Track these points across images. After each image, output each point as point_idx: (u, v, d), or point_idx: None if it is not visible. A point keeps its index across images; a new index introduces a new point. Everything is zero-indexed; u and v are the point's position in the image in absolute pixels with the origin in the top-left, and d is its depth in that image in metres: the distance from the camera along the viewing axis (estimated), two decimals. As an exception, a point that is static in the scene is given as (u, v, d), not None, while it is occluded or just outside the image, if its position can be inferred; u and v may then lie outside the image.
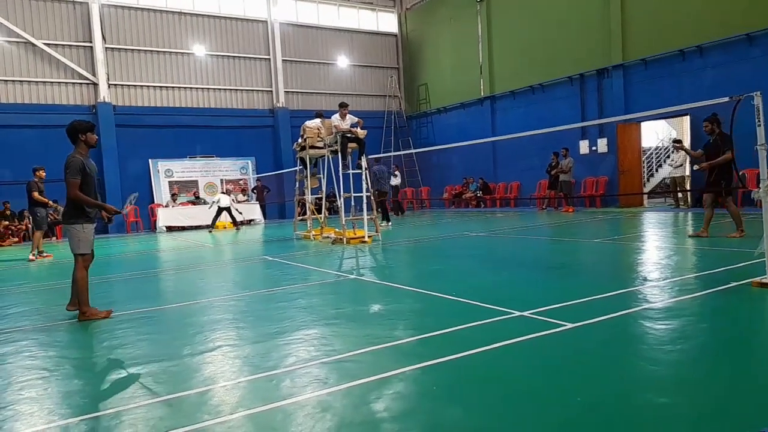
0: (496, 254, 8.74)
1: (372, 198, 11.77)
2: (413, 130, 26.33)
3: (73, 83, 19.43)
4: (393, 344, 3.81)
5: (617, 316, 4.19)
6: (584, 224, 12.52)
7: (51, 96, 19.13)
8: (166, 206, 19.27)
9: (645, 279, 5.61)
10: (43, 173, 11.59)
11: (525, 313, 4.35)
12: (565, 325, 3.96)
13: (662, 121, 22.00)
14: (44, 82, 19.00)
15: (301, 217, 14.34)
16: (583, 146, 17.99)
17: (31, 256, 11.27)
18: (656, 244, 8.24)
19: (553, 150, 17.26)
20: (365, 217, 11.00)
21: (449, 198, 22.66)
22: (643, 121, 16.80)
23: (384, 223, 14.83)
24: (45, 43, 18.77)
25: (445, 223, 15.39)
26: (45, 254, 11.66)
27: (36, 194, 11.32)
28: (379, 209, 16.62)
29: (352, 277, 6.98)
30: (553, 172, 17.19)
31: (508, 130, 20.08)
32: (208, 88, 22.02)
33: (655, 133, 23.26)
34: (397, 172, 20.86)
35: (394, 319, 4.60)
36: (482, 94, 22.10)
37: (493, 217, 16.45)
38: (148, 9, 20.67)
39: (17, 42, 18.49)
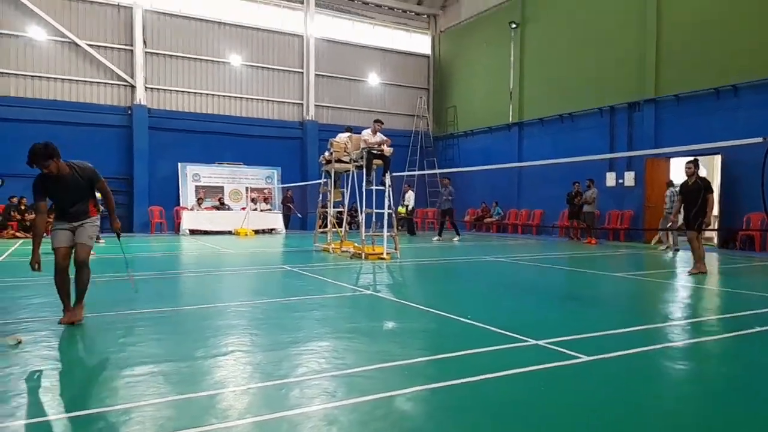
0: (514, 280, 8.66)
1: (393, 215, 11.80)
2: (439, 151, 26.37)
3: (112, 84, 19.98)
4: (404, 363, 3.79)
5: (635, 352, 4.11)
6: (607, 257, 12.33)
7: (90, 95, 19.68)
8: (191, 209, 19.55)
9: (666, 317, 5.49)
10: None
11: (540, 342, 4.29)
12: (581, 358, 3.89)
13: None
14: (84, 81, 19.57)
15: (321, 230, 14.41)
16: (610, 178, 17.80)
17: None
18: (680, 283, 8.07)
19: (578, 180, 17.08)
20: (385, 233, 11.02)
21: (470, 221, 22.54)
22: (673, 156, 16.57)
23: (456, 238, 17.42)
24: (88, 44, 19.39)
25: (465, 246, 15.30)
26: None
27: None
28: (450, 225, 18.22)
29: (368, 292, 6.98)
30: (576, 200, 17.01)
31: (534, 157, 19.97)
32: (241, 97, 22.42)
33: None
34: (410, 192, 20.32)
35: (407, 338, 4.58)
36: (510, 119, 22.08)
37: (514, 244, 16.31)
38: (189, 17, 21.22)
39: (62, 41, 19.13)
